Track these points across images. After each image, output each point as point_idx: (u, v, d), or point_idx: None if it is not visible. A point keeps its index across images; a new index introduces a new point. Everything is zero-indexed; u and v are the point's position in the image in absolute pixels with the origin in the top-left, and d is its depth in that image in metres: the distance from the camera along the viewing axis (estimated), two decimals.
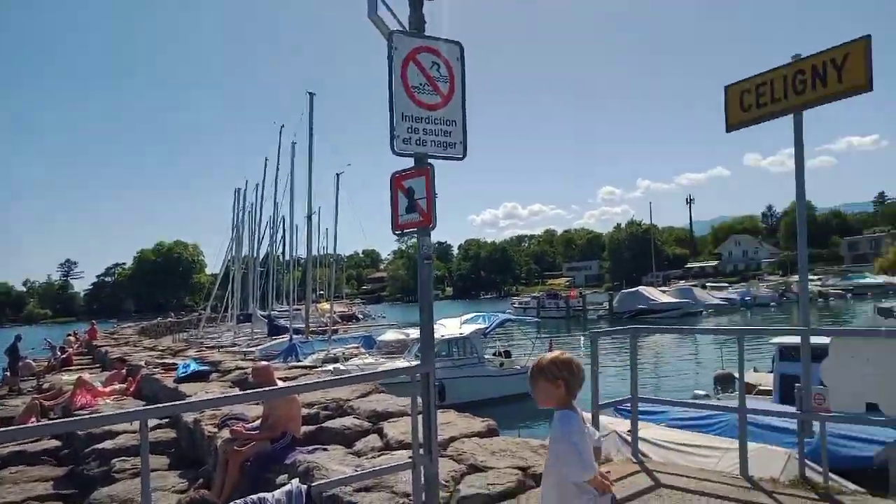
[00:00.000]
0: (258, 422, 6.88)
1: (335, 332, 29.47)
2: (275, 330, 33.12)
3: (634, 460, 5.87)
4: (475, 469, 5.34)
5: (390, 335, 25.65)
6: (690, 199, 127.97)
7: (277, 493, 3.97)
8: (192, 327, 45.59)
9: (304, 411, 7.34)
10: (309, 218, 29.92)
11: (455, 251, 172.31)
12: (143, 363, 15.43)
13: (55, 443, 9.44)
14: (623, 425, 7.55)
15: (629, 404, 6.36)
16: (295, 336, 27.01)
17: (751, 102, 5.36)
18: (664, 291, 61.03)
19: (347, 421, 7.25)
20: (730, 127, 5.64)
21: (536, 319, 41.64)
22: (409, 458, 4.43)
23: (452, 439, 6.24)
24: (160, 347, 23.27)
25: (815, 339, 5.58)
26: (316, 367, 16.17)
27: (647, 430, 8.32)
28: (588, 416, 3.47)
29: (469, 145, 4.85)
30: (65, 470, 8.54)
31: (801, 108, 5.04)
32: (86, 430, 8.48)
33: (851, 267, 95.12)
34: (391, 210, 4.76)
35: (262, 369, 7.29)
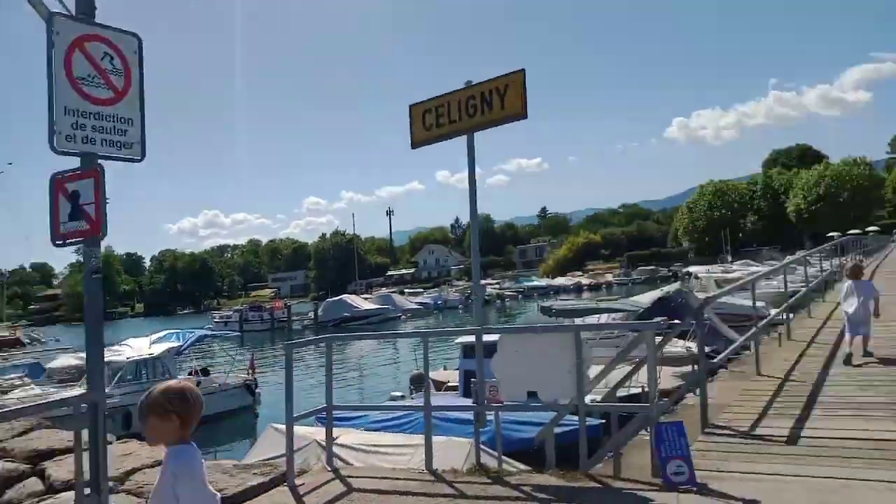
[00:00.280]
0: None
1: None
2: None
3: (329, 468, 5.93)
4: None
5: (63, 360, 22.53)
6: (390, 211, 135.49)
7: None
8: None
9: None
10: None
11: (147, 263, 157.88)
12: None
13: None
14: (323, 434, 7.60)
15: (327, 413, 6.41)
16: None
17: (432, 122, 5.81)
18: (367, 299, 63.64)
19: None
20: (415, 144, 6.03)
21: (237, 333, 40.02)
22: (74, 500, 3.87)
23: (133, 471, 5.65)
24: None
25: (488, 337, 6.25)
26: None
27: (347, 435, 8.49)
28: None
29: (149, 147, 4.45)
30: None
31: (473, 129, 5.62)
32: None
33: (522, 272, 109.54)
34: (50, 217, 4.14)
35: None
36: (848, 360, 8.50)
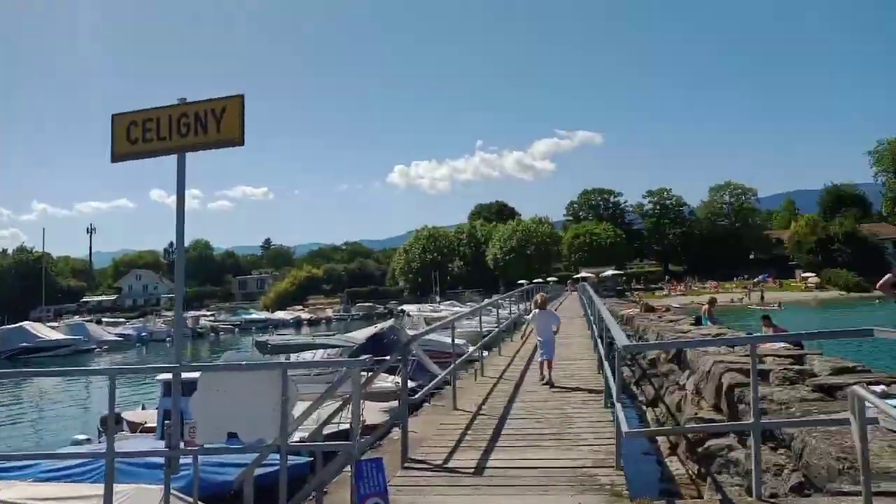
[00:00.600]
0: None
1: None
2: None
3: None
4: None
5: None
6: (92, 229, 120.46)
7: None
8: None
9: None
10: None
11: None
12: None
13: None
14: None
15: None
16: None
17: (138, 136, 5.30)
18: (54, 327, 55.33)
19: None
20: (115, 157, 5.43)
21: None
22: None
23: None
24: None
25: (190, 375, 5.78)
26: None
27: (10, 489, 7.17)
28: None
29: None
30: None
31: (184, 149, 5.24)
32: None
33: (242, 303, 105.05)
34: None
35: None
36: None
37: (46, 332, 50.83)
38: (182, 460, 5.69)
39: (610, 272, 74.92)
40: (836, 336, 8.92)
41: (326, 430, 7.01)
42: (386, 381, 13.93)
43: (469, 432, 7.67)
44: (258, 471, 5.67)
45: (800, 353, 10.31)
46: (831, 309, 51.80)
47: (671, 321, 20.17)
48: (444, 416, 8.65)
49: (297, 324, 73.91)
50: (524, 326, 19.39)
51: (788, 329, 15.53)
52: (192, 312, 77.35)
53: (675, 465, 8.47)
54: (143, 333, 60.14)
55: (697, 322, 19.47)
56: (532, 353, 14.30)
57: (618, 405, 6.00)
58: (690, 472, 7.94)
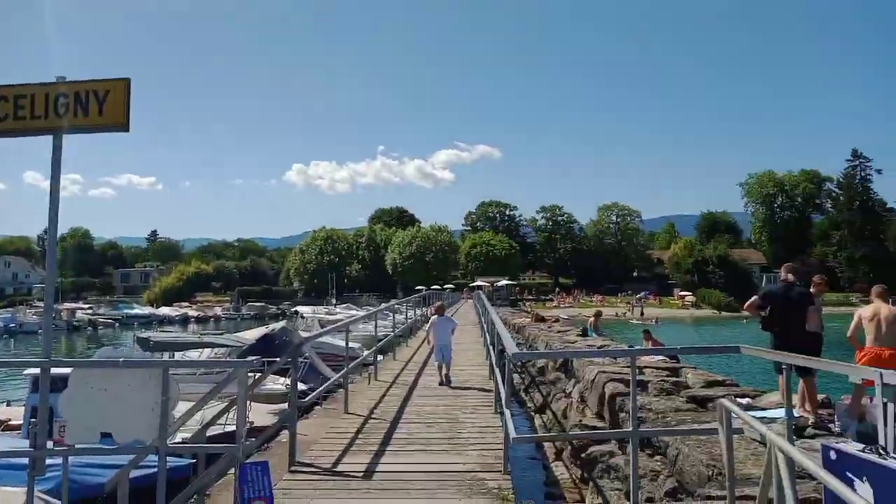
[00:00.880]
0: None
1: None
2: None
3: None
4: None
5: None
6: None
7: None
8: None
9: None
10: None
11: None
12: None
13: None
14: None
15: None
16: None
17: (8, 112, 4.89)
18: None
19: None
20: None
21: None
22: None
23: None
24: None
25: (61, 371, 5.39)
26: None
27: None
28: None
29: None
30: None
31: (61, 131, 4.89)
32: None
33: (123, 297, 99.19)
34: None
35: None
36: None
37: None
38: (51, 461, 5.30)
39: (504, 282, 76.63)
40: (708, 351, 9.55)
41: (210, 432, 6.74)
42: (276, 384, 13.56)
43: (360, 436, 7.59)
44: (135, 473, 5.37)
45: (676, 366, 10.96)
46: (704, 326, 55.41)
47: (560, 332, 20.90)
48: (335, 420, 8.53)
49: (184, 321, 70.54)
50: (424, 332, 19.57)
51: (666, 343, 16.49)
52: (68, 304, 72.28)
53: (559, 470, 8.76)
54: (12, 325, 55.53)
55: (584, 333, 20.29)
56: (427, 359, 14.38)
57: (507, 411, 6.14)
58: (574, 476, 8.24)
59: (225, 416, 7.05)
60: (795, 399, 6.88)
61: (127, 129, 4.89)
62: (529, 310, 41.90)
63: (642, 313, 61.60)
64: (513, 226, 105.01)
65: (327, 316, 39.03)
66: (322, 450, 6.96)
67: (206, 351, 15.94)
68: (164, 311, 76.15)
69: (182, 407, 6.68)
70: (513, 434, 5.73)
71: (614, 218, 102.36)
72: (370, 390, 10.80)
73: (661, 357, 11.82)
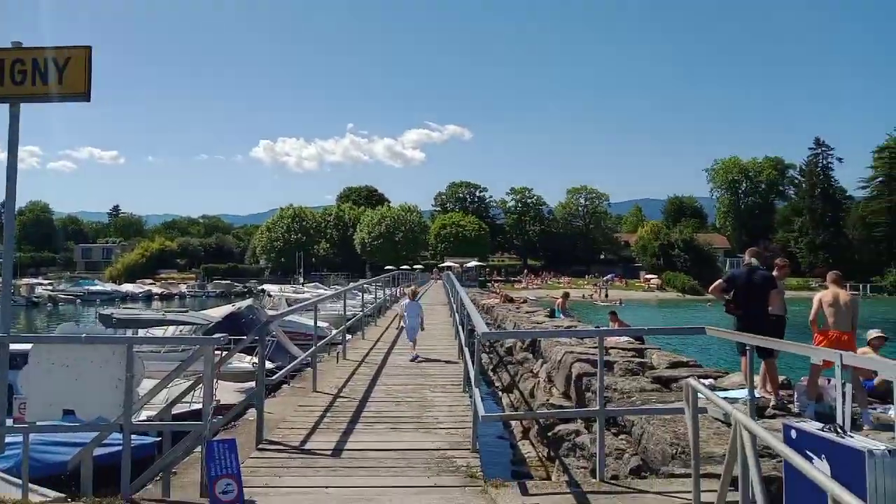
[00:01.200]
0: None
1: None
2: None
3: None
4: None
5: None
6: None
7: None
8: None
9: None
10: None
11: None
12: None
13: None
14: None
15: None
16: None
17: None
18: None
19: None
20: None
21: None
22: None
23: None
24: None
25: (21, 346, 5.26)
26: None
27: None
28: None
29: None
30: None
31: (19, 99, 4.73)
32: None
33: (84, 274, 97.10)
34: None
35: None
36: (414, 359, 11.63)
37: None
38: (11, 439, 5.18)
39: (473, 263, 76.88)
40: (674, 333, 9.75)
41: (176, 410, 6.66)
42: (242, 362, 13.44)
43: (328, 414, 7.58)
44: (99, 451, 5.28)
45: (641, 347, 11.14)
46: (669, 308, 56.39)
47: (528, 312, 21.07)
48: (304, 398, 8.49)
49: (148, 298, 69.39)
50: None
51: (631, 325, 16.73)
52: (27, 280, 70.49)
53: (526, 448, 8.86)
54: None
55: (552, 314, 20.49)
56: (396, 338, 14.39)
57: (476, 390, 6.16)
58: (541, 454, 8.35)
59: (191, 393, 6.97)
60: (757, 380, 7.04)
61: (88, 99, 4.74)
62: (498, 291, 42.11)
63: (606, 295, 62.41)
64: (482, 207, 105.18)
65: (295, 295, 38.73)
66: (290, 428, 6.93)
67: (171, 328, 15.70)
68: (127, 287, 74.75)
69: (147, 385, 6.58)
70: (482, 412, 5.77)
71: (583, 201, 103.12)
72: (339, 369, 10.77)
73: (626, 338, 12.00)
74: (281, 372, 8.32)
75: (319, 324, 11.85)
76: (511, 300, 27.50)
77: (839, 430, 3.91)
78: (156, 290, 75.48)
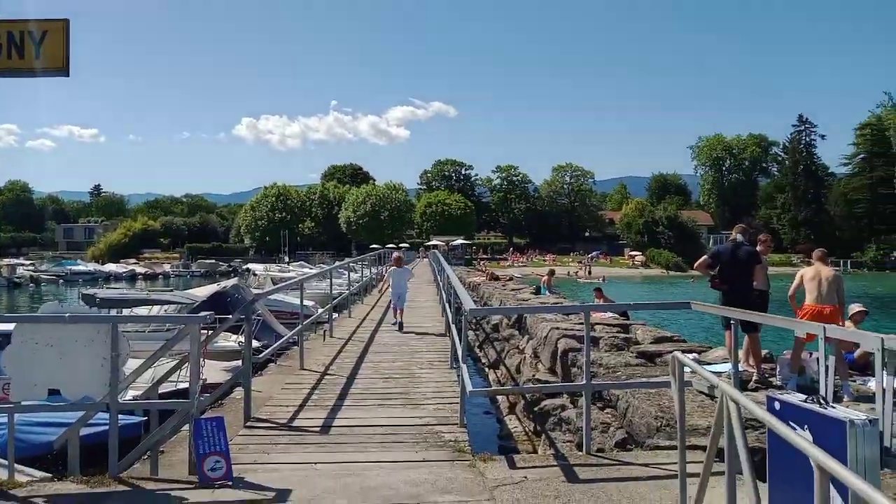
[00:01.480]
0: None
1: None
2: None
3: None
4: None
5: None
6: None
7: None
8: None
9: None
10: None
11: None
12: None
13: None
14: None
15: None
16: None
17: None
18: None
19: None
20: None
21: None
22: None
23: None
24: None
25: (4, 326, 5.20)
26: None
27: None
28: None
29: None
30: None
31: None
32: None
33: (66, 253, 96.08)
34: None
35: None
36: (399, 328, 12.22)
37: None
38: None
39: (459, 241, 76.86)
40: (659, 308, 9.83)
41: (163, 389, 6.63)
42: (229, 341, 13.40)
43: (316, 392, 7.59)
44: (85, 430, 5.26)
45: (626, 323, 11.24)
46: (653, 285, 56.89)
47: (514, 290, 21.14)
48: (291, 376, 8.50)
49: (132, 278, 68.71)
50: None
51: (616, 301, 16.86)
52: (8, 260, 69.62)
53: (513, 424, 8.94)
54: None
55: (537, 292, 20.60)
56: (383, 316, 14.41)
57: (463, 366, 6.20)
58: (527, 429, 8.43)
59: (177, 373, 6.94)
60: (740, 354, 7.13)
61: (66, 74, 4.64)
62: (484, 269, 42.18)
63: (589, 272, 62.72)
64: (468, 185, 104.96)
65: (280, 274, 38.54)
66: (278, 405, 6.94)
67: (156, 308, 15.61)
68: (111, 267, 74.05)
69: (132, 364, 6.54)
70: (469, 387, 5.81)
71: (568, 178, 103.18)
72: (326, 347, 10.78)
73: (611, 314, 12.09)
74: (268, 350, 8.31)
75: (305, 303, 11.83)
76: (497, 278, 27.57)
77: (822, 401, 3.98)
78: (139, 269, 74.82)
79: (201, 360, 5.97)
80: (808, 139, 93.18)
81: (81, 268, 71.23)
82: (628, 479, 4.70)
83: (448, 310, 10.97)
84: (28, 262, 74.07)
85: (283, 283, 14.30)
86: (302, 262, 59.42)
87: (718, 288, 7.58)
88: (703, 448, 3.73)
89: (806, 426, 3.69)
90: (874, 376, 5.53)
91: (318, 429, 6.09)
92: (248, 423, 6.22)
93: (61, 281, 62.08)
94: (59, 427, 7.85)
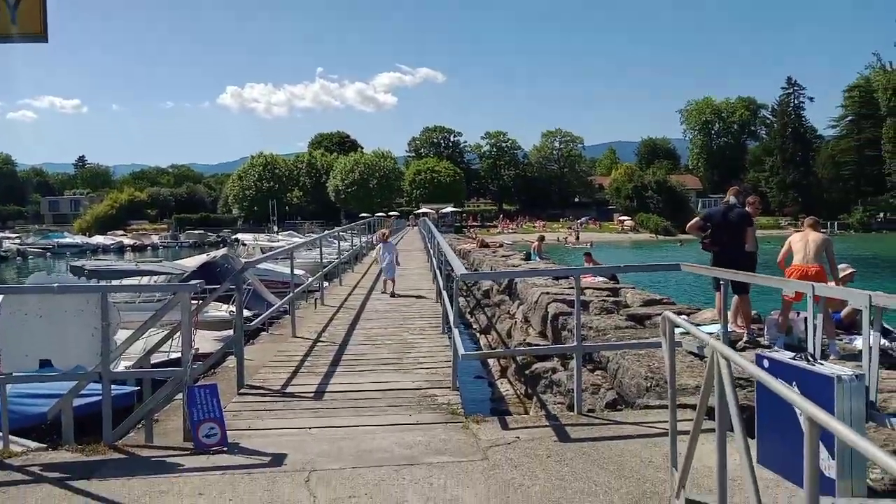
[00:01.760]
0: None
1: None
2: None
3: None
4: None
5: None
6: None
7: None
8: None
9: None
10: None
11: None
12: None
13: None
14: None
15: None
16: None
17: None
18: None
19: None
20: None
21: None
22: None
23: None
24: None
25: None
26: None
27: None
28: None
29: None
30: None
31: None
32: None
33: (52, 226, 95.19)
34: None
35: None
36: (392, 294, 12.72)
37: None
38: None
39: (449, 209, 76.72)
40: (650, 269, 9.87)
41: (155, 359, 6.64)
42: (219, 311, 13.39)
43: (309, 358, 7.62)
44: (77, 401, 5.27)
45: (615, 286, 11.31)
46: (642, 249, 57.16)
47: (504, 256, 21.20)
48: (283, 344, 8.52)
49: (120, 250, 68.30)
50: (369, 259, 19.93)
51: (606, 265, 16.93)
52: None
53: (505, 387, 9.04)
54: None
55: (527, 258, 20.65)
56: (373, 284, 14.43)
57: (455, 330, 6.23)
58: (518, 392, 8.53)
59: (169, 342, 6.93)
60: (729, 315, 7.20)
61: (45, 40, 4.52)
62: (474, 236, 42.18)
63: (577, 238, 62.91)
64: (457, 152, 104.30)
65: (269, 243, 38.41)
66: (271, 372, 6.96)
67: (145, 279, 15.55)
68: (98, 239, 73.45)
69: (122, 335, 6.52)
70: (461, 351, 5.84)
71: (557, 144, 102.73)
72: (317, 315, 10.79)
73: (601, 278, 12.16)
74: (259, 318, 8.31)
75: (296, 271, 11.80)
76: (487, 245, 27.60)
77: (810, 358, 4.04)
78: (127, 241, 74.28)
79: (193, 328, 5.96)
80: (796, 101, 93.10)
81: (68, 240, 70.62)
82: (619, 437, 4.77)
83: (439, 276, 10.98)
84: (14, 236, 73.34)
85: (273, 252, 14.25)
86: (291, 232, 59.16)
87: (709, 249, 7.61)
88: (693, 406, 3.78)
89: (794, 383, 3.75)
90: (860, 335, 5.60)
91: (311, 395, 6.13)
92: (242, 391, 6.24)
93: (48, 254, 61.61)
94: (51, 398, 7.85)
